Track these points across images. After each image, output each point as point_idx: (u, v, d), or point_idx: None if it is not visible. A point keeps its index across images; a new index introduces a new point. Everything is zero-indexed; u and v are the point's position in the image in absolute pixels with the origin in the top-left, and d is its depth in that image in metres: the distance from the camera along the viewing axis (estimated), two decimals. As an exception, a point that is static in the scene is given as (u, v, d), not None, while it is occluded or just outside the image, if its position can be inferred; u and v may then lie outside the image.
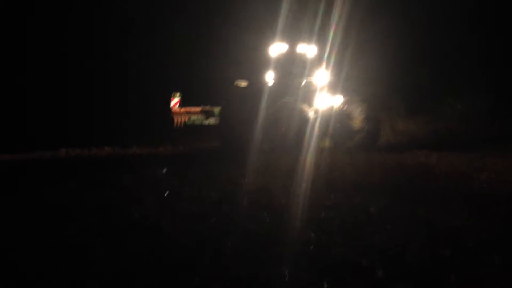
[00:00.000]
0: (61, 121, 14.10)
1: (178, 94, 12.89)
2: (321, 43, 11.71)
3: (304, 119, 10.42)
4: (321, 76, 11.30)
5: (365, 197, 4.84)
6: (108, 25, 17.31)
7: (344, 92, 11.37)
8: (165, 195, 5.18)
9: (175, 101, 12.81)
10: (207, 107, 12.87)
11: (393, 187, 5.44)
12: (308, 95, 11.06)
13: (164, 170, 7.28)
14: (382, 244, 3.40)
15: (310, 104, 10.89)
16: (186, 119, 12.70)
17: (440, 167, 6.69)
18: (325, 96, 10.99)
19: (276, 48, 11.72)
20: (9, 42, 15.81)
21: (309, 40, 11.87)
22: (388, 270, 2.92)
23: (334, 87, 11.28)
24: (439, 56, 16.68)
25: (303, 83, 11.40)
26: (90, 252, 3.37)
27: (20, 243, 3.63)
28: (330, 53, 11.49)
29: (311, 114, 10.55)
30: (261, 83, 11.61)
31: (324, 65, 11.46)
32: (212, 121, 12.61)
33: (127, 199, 5.04)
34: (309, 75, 11.53)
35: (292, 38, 11.81)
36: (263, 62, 11.87)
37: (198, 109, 12.95)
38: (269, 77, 11.71)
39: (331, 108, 11.00)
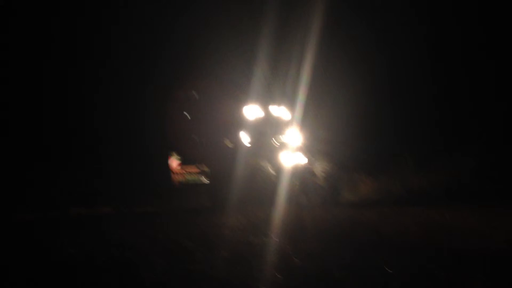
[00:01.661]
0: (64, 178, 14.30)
1: (176, 155, 13.49)
2: (294, 104, 12.63)
3: (269, 178, 11.33)
4: (293, 137, 12.20)
5: (381, 256, 4.74)
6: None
7: (312, 150, 12.26)
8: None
9: (175, 162, 13.46)
10: (202, 166, 13.44)
11: (407, 245, 5.33)
12: (277, 154, 11.92)
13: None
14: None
15: (277, 162, 11.71)
16: (184, 178, 13.38)
17: (454, 226, 6.60)
18: (292, 155, 11.84)
19: (250, 110, 12.58)
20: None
21: (281, 103, 12.79)
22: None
23: (304, 148, 12.15)
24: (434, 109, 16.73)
25: (275, 143, 12.22)
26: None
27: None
28: (302, 115, 12.39)
29: (272, 172, 11.44)
30: (239, 144, 12.45)
31: (296, 126, 12.37)
32: (205, 180, 13.31)
33: (139, 261, 4.97)
34: (281, 135, 12.37)
35: (266, 99, 12.76)
36: (239, 123, 12.66)
37: (194, 168, 13.46)
38: (244, 138, 12.51)
39: (296, 165, 11.78)
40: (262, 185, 11.23)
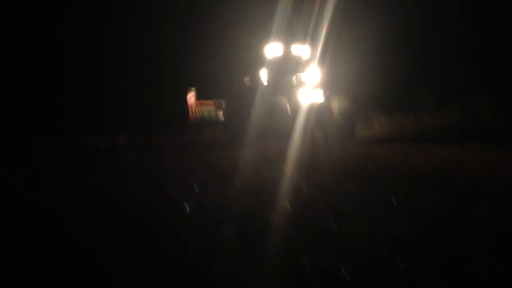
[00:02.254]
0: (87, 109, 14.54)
1: (193, 88, 13.77)
2: (315, 42, 12.70)
3: (287, 114, 11.36)
4: (312, 74, 12.24)
5: (389, 188, 4.81)
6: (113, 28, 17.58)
7: (332, 88, 12.24)
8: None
9: (190, 95, 13.74)
10: (220, 100, 13.66)
11: (415, 178, 5.37)
12: (296, 91, 11.98)
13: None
14: (406, 236, 3.40)
15: (295, 100, 11.73)
16: (201, 111, 13.59)
17: (464, 161, 6.61)
18: (309, 92, 11.86)
19: (271, 48, 12.68)
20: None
21: (303, 40, 12.85)
22: (410, 261, 2.91)
23: (323, 84, 12.18)
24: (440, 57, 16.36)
25: (293, 79, 12.29)
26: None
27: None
28: (323, 53, 12.46)
29: (289, 109, 11.49)
30: (257, 81, 12.59)
31: (316, 63, 12.45)
32: (221, 114, 13.50)
33: (154, 192, 5.13)
34: (301, 72, 12.46)
35: (286, 38, 12.78)
36: (260, 61, 12.80)
37: (211, 102, 13.79)
38: (264, 75, 12.73)
39: (312, 103, 11.74)
40: (279, 121, 11.18)
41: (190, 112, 14.27)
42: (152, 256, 2.99)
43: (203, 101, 14.58)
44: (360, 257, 2.98)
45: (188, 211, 4.19)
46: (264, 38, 12.76)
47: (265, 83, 12.50)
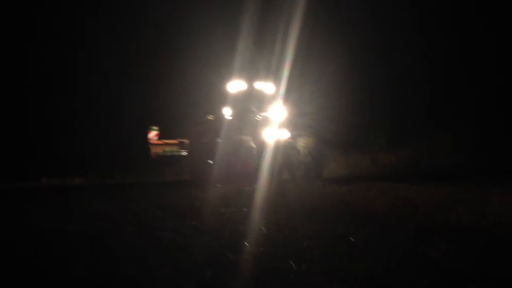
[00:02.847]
0: (41, 151, 14.17)
1: (155, 128, 13.65)
2: (278, 80, 12.37)
3: (250, 153, 11.00)
4: (277, 112, 11.88)
5: (345, 227, 4.85)
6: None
7: (298, 127, 11.97)
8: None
9: (153, 134, 13.55)
10: (183, 139, 13.54)
11: (372, 217, 5.45)
12: (261, 129, 11.67)
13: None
14: (362, 273, 3.40)
15: (260, 137, 11.43)
16: (163, 151, 13.40)
17: (420, 199, 6.74)
18: (275, 131, 11.55)
19: (235, 85, 12.39)
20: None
21: (266, 78, 12.56)
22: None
23: (289, 123, 11.85)
24: (411, 91, 16.99)
25: (258, 118, 11.98)
26: (69, 281, 3.33)
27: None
28: (286, 90, 12.11)
29: (253, 146, 11.11)
30: (220, 118, 12.23)
31: (280, 101, 12.07)
32: (183, 152, 13.28)
33: (110, 228, 5.00)
34: (265, 110, 12.10)
35: (251, 75, 12.54)
36: (223, 98, 12.48)
37: (174, 141, 13.67)
38: (227, 112, 12.31)
39: (278, 141, 11.45)
40: (244, 160, 10.93)
41: (152, 152, 13.99)
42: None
43: (166, 140, 14.39)
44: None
45: (143, 249, 4.03)
46: (227, 75, 12.64)
47: (229, 121, 12.20)
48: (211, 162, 10.73)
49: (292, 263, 3.65)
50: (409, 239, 4.34)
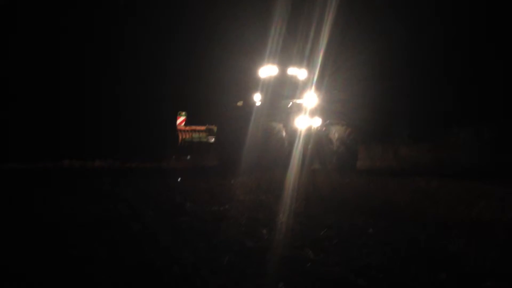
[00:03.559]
0: (67, 133, 14.34)
1: (184, 113, 13.50)
2: (312, 67, 11.97)
3: (281, 141, 10.57)
4: (309, 99, 11.38)
5: (365, 219, 4.82)
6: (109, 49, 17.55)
7: (330, 115, 11.54)
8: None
9: (181, 119, 13.43)
10: (212, 126, 13.30)
11: (392, 210, 5.41)
12: (293, 116, 11.21)
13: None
14: (379, 265, 3.39)
15: (291, 125, 11.01)
16: (191, 136, 13.19)
17: (440, 193, 6.66)
18: (307, 118, 11.11)
19: (267, 71, 11.96)
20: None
21: (300, 64, 12.16)
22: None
23: (321, 110, 11.39)
24: (438, 83, 16.72)
25: (289, 105, 11.52)
26: (88, 264, 3.39)
27: (20, 255, 3.64)
28: (319, 77, 11.67)
29: (282, 134, 10.68)
30: (251, 104, 11.85)
31: (313, 88, 11.58)
32: (212, 139, 13.00)
33: (130, 212, 5.06)
34: (298, 97, 11.66)
35: (283, 61, 12.13)
36: (254, 84, 12.13)
37: (202, 127, 13.48)
38: (258, 98, 11.95)
39: (309, 129, 11.07)
40: (275, 149, 10.45)
41: (180, 137, 13.90)
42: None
43: (194, 126, 14.21)
44: (335, 285, 2.94)
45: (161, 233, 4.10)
46: (259, 60, 12.14)
47: (260, 108, 11.74)
48: (240, 149, 10.35)
49: (309, 252, 3.65)
50: (428, 232, 4.29)
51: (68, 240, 3.96)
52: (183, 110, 14.02)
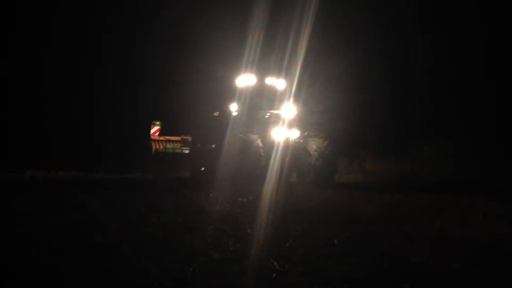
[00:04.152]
0: (32, 143, 14.02)
1: (158, 123, 13.26)
2: (290, 76, 11.80)
3: (258, 153, 10.27)
4: (287, 110, 11.21)
5: (330, 230, 4.85)
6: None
7: (308, 126, 11.39)
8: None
9: (154, 129, 13.15)
10: (187, 136, 13.08)
11: (357, 222, 5.46)
12: (270, 127, 10.98)
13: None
14: (345, 275, 3.43)
15: (269, 136, 10.77)
16: (165, 147, 12.95)
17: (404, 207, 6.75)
18: (284, 130, 10.90)
19: (244, 80, 11.72)
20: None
21: (278, 74, 11.96)
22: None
23: (298, 121, 11.22)
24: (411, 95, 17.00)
25: (267, 116, 11.33)
26: (51, 275, 3.31)
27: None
28: (298, 88, 11.57)
29: (259, 146, 10.36)
30: (227, 115, 11.60)
31: (291, 98, 11.44)
32: (186, 150, 12.74)
33: (92, 223, 4.93)
34: (275, 108, 11.50)
35: (261, 71, 11.90)
36: (231, 93, 11.87)
37: (177, 138, 13.20)
38: (234, 108, 11.68)
39: (287, 141, 10.86)
40: (251, 159, 10.16)
41: (153, 147, 13.54)
42: None
43: (168, 137, 13.86)
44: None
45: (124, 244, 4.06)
46: (236, 69, 11.86)
47: (237, 118, 11.42)
48: (215, 160, 10.13)
49: (275, 263, 3.65)
50: (391, 244, 4.36)
51: (25, 253, 3.84)
52: (157, 120, 13.71)
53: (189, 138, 12.99)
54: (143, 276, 3.31)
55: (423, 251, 4.05)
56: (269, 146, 10.47)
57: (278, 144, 10.55)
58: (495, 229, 5.03)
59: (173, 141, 13.46)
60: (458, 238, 4.62)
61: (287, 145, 10.77)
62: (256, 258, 3.83)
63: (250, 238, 4.51)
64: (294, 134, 11.08)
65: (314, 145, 11.15)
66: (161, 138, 13.56)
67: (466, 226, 5.17)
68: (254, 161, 10.14)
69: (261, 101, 11.71)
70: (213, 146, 10.57)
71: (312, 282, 3.28)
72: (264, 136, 10.70)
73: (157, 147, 13.37)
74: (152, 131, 13.52)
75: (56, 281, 3.21)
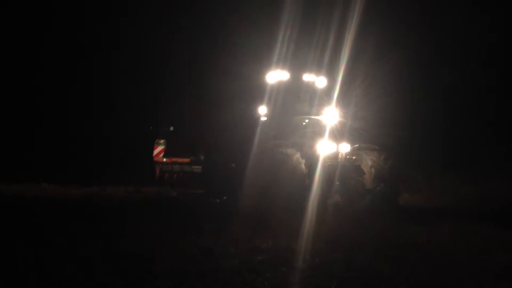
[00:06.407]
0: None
1: (162, 141, 10.69)
2: (331, 77, 9.78)
3: (299, 169, 8.12)
4: (329, 116, 9.24)
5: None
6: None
7: (356, 136, 9.18)
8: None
9: (158, 150, 10.58)
10: (198, 155, 10.45)
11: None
12: (311, 138, 8.82)
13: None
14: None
15: (309, 150, 8.55)
16: (171, 169, 10.40)
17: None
18: (329, 141, 8.84)
19: (275, 76, 9.72)
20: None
21: (316, 72, 10.03)
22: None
23: (347, 131, 9.05)
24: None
25: (305, 122, 9.48)
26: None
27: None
28: (340, 90, 9.39)
29: (302, 165, 8.17)
30: (254, 120, 9.57)
31: (333, 103, 9.35)
32: (198, 168, 10.08)
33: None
34: (316, 112, 9.58)
35: (297, 66, 9.89)
36: (259, 93, 9.72)
37: (186, 160, 10.56)
38: (263, 112, 9.80)
39: (336, 157, 8.88)
40: (288, 180, 7.76)
41: (157, 171, 11.10)
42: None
43: (175, 158, 11.33)
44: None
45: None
46: (266, 64, 9.43)
47: (267, 125, 9.24)
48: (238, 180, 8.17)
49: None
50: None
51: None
52: (161, 137, 11.18)
53: (201, 155, 10.37)
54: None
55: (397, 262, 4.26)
56: (311, 163, 8.37)
57: (324, 160, 8.39)
58: None
59: (181, 163, 10.88)
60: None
61: (335, 162, 8.74)
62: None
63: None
64: (344, 147, 9.06)
65: (369, 161, 9.09)
66: (167, 160, 10.98)
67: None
68: (292, 183, 7.84)
69: (297, 102, 9.64)
70: (234, 164, 8.80)
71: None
72: (302, 150, 8.50)
73: (162, 169, 10.87)
74: (155, 152, 11.00)
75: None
